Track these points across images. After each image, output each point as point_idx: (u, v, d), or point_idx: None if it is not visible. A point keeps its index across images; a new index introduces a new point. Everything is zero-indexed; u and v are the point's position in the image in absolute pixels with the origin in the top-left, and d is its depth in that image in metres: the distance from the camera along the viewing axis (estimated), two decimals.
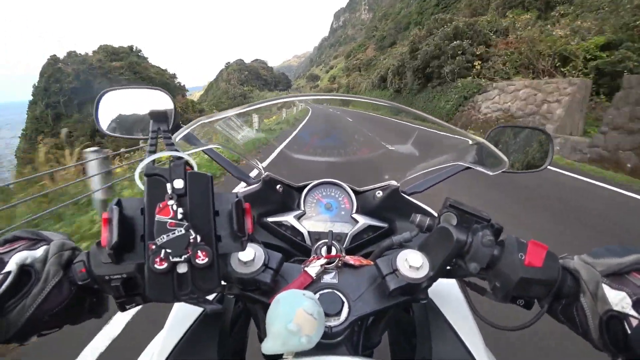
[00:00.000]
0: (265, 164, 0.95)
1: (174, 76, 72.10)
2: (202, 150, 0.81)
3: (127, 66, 58.56)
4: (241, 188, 0.94)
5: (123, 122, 0.82)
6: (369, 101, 0.79)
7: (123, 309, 0.46)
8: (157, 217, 0.37)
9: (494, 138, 0.92)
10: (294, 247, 0.81)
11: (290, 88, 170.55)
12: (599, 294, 0.43)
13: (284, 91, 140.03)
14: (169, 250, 0.36)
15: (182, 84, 74.10)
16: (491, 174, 0.74)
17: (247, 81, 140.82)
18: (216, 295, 0.70)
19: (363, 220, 0.81)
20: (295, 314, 0.40)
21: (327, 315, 0.47)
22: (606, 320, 0.42)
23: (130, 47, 65.56)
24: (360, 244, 0.81)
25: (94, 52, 59.90)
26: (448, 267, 0.53)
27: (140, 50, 66.78)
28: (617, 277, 0.43)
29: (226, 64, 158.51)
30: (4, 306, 0.39)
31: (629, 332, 0.39)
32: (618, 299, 0.41)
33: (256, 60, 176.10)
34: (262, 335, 0.63)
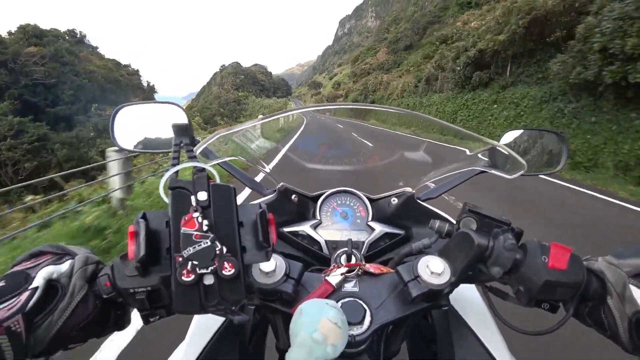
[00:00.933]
0: (272, 164, 0.97)
1: (134, 72, 60.62)
2: (219, 164, 0.83)
3: (50, 54, 44.69)
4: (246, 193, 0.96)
5: (138, 137, 0.83)
6: (392, 111, 0.79)
7: (147, 322, 0.46)
8: (183, 229, 0.37)
9: (508, 141, 0.92)
10: (312, 257, 0.81)
11: (290, 95, 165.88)
12: (626, 295, 0.43)
13: (282, 98, 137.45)
14: (195, 262, 0.37)
15: (150, 84, 65.65)
16: (509, 177, 0.73)
17: (242, 86, 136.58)
18: (245, 317, 0.70)
19: (379, 228, 0.81)
20: (320, 323, 0.40)
21: (349, 324, 0.46)
22: (635, 321, 0.41)
23: (71, 32, 53.13)
24: (377, 251, 0.81)
25: (9, 32, 46.14)
26: (469, 272, 0.52)
27: (85, 36, 56.32)
28: None
29: (221, 66, 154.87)
30: (33, 321, 0.39)
31: None
32: None
33: (255, 65, 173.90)
34: (280, 346, 0.63)
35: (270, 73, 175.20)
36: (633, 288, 0.42)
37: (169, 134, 0.52)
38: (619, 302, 0.43)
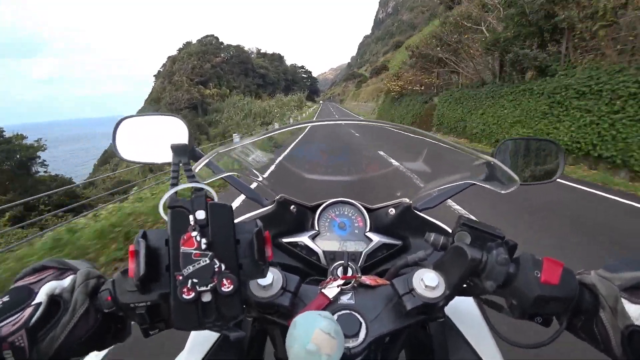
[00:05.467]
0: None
1: None
2: (222, 178, 0.84)
3: None
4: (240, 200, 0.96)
5: (140, 148, 0.85)
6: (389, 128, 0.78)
7: (147, 335, 0.47)
8: (182, 248, 0.38)
9: (504, 151, 0.93)
10: (309, 267, 0.81)
11: (317, 95, 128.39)
12: (618, 308, 0.43)
13: (307, 100, 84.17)
14: (195, 280, 0.38)
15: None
16: (502, 192, 0.74)
17: (218, 76, 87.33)
18: (241, 332, 0.70)
19: (377, 239, 0.82)
20: (313, 334, 0.41)
21: (345, 336, 0.47)
22: (628, 335, 0.41)
23: None
24: (375, 262, 0.81)
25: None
26: (464, 286, 0.53)
27: None
28: (635, 290, 0.43)
29: (184, 44, 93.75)
30: (36, 336, 0.40)
31: None
32: (638, 313, 0.41)
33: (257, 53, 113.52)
34: (279, 355, 0.64)
35: (282, 58, 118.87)
36: (625, 301, 0.42)
37: (168, 145, 0.53)
38: (612, 316, 0.44)
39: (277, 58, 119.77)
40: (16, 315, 0.39)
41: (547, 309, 0.48)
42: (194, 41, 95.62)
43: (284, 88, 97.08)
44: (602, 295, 0.45)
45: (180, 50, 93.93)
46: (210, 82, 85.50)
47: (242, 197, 0.99)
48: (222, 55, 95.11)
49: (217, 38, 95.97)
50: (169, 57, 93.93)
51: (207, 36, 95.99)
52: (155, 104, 75.75)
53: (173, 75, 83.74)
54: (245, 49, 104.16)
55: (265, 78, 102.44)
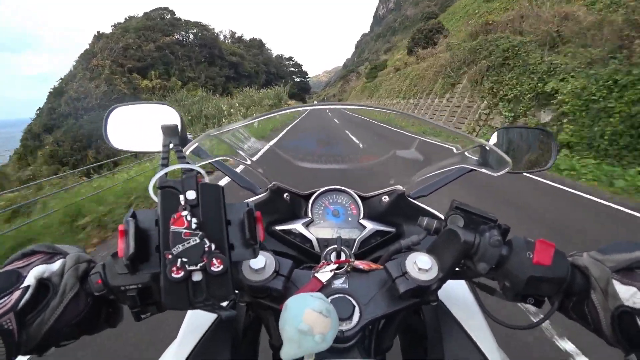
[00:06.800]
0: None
1: None
2: (210, 163, 0.84)
3: None
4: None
5: (131, 137, 0.84)
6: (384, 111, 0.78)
7: (138, 319, 0.47)
8: (172, 227, 0.38)
9: (498, 140, 0.94)
10: (304, 254, 0.82)
11: (308, 94, 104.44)
12: (609, 290, 0.44)
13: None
14: (185, 259, 0.38)
15: None
16: (495, 174, 0.75)
17: (167, 62, 62.99)
18: (229, 304, 0.71)
19: (370, 226, 0.82)
20: (304, 314, 0.41)
21: (339, 319, 0.47)
22: (618, 315, 0.43)
23: None
24: (369, 249, 0.82)
25: None
26: (457, 269, 0.53)
27: None
28: (627, 272, 0.44)
29: (125, 18, 67.90)
30: (25, 320, 0.40)
31: None
32: (629, 294, 0.42)
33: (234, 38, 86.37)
34: (273, 342, 0.64)
35: (263, 45, 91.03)
36: (616, 283, 0.43)
37: (160, 133, 0.52)
38: (602, 297, 0.45)
39: (257, 45, 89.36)
40: (4, 299, 0.38)
41: (539, 290, 0.48)
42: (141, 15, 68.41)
43: (264, 83, 70.19)
44: (594, 276, 0.46)
45: (115, 26, 65.78)
46: (152, 69, 59.64)
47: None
48: (177, 35, 69.34)
49: (172, 12, 70.41)
50: (96, 35, 63.37)
51: (158, 9, 69.02)
52: (54, 100, 49.90)
53: (94, 58, 56.12)
54: (215, 31, 76.75)
55: (239, 68, 73.10)
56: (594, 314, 0.46)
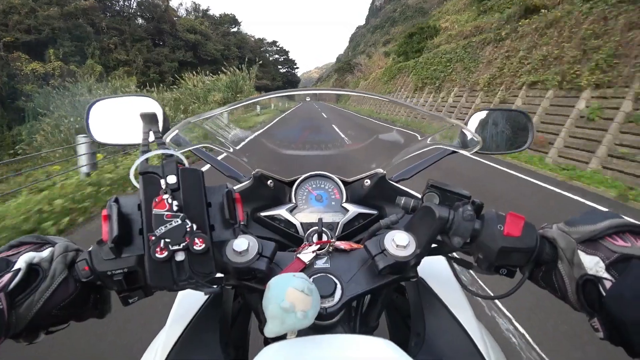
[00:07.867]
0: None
1: None
2: (191, 151, 0.85)
3: None
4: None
5: (113, 130, 0.85)
6: (366, 96, 0.80)
7: (126, 303, 0.48)
8: (155, 210, 0.40)
9: (474, 122, 0.95)
10: (288, 239, 0.83)
11: (297, 84, 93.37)
12: (574, 260, 0.46)
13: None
14: (167, 240, 0.40)
15: None
16: (468, 154, 0.77)
17: (85, 39, 40.46)
18: (215, 288, 0.72)
19: (353, 209, 0.84)
20: (286, 292, 0.43)
21: (321, 297, 0.49)
22: (582, 283, 0.45)
23: None
24: (352, 231, 0.84)
25: None
26: (434, 245, 0.55)
27: None
28: (591, 242, 0.46)
29: None
30: (14, 300, 0.41)
31: (604, 293, 0.42)
32: (592, 264, 0.44)
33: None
34: (262, 328, 0.65)
35: (237, 22, 72.81)
36: (581, 253, 0.46)
37: (141, 125, 0.53)
38: (568, 266, 0.48)
39: (229, 21, 69.83)
40: None
41: (510, 260, 0.51)
42: None
43: (238, 64, 38.10)
44: (561, 247, 0.48)
45: None
46: (56, 47, 39.67)
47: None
48: None
49: None
50: None
51: None
52: None
53: None
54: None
55: (199, 50, 56.20)
56: (560, 283, 0.49)
